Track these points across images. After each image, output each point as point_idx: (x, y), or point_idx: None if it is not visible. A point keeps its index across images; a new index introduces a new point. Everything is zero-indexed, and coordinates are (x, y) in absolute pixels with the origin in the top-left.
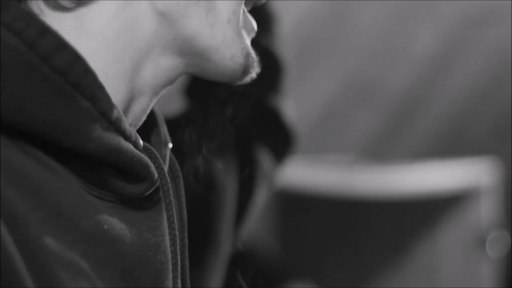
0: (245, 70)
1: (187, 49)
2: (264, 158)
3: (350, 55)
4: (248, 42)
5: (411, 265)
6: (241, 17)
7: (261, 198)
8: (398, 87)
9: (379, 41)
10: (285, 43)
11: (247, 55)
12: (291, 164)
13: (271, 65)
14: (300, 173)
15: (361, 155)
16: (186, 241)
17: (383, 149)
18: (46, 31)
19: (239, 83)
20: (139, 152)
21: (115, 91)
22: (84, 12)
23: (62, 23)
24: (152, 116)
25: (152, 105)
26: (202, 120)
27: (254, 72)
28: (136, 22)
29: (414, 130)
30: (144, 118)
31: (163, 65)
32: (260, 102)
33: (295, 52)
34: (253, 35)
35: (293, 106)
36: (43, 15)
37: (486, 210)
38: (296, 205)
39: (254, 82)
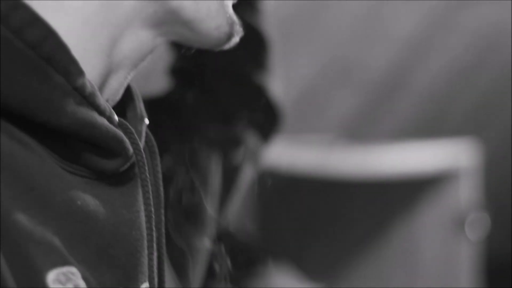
0: (230, 37)
1: (168, 21)
2: (250, 137)
3: (330, 35)
4: (231, 9)
5: (389, 246)
6: None
7: (246, 177)
8: (377, 68)
9: (359, 21)
10: (264, 24)
11: (232, 23)
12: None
13: (256, 42)
14: (278, 152)
15: (340, 136)
16: (163, 217)
17: (363, 130)
18: (18, 5)
19: (220, 48)
20: (113, 127)
21: (92, 66)
22: None
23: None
24: (128, 91)
25: (130, 78)
26: (185, 100)
27: (238, 36)
28: None
29: (394, 110)
30: (121, 92)
31: (142, 38)
32: (245, 80)
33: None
34: (234, 0)
35: (279, 83)
36: None
37: (465, 192)
38: (275, 185)
39: (240, 59)
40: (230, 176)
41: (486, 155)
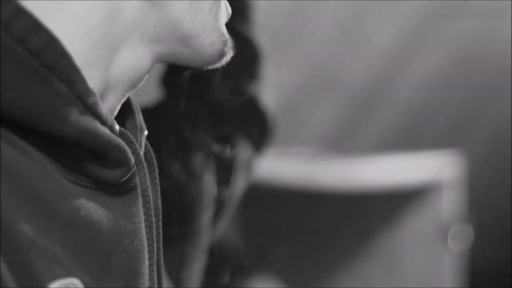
0: (222, 55)
1: (166, 36)
2: (242, 148)
3: (311, 48)
4: (224, 27)
5: (372, 258)
6: (221, 5)
7: (239, 188)
8: (358, 80)
9: (340, 34)
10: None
11: (225, 41)
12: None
13: (249, 53)
14: (262, 165)
15: (322, 148)
16: (161, 230)
17: (344, 142)
18: (21, 12)
19: (212, 67)
20: (115, 137)
21: (91, 78)
22: None
23: (40, 8)
24: (127, 103)
25: (127, 96)
26: (179, 110)
27: (229, 56)
28: (118, 8)
29: (375, 123)
30: (118, 108)
31: (140, 54)
32: (238, 91)
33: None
34: (227, 19)
35: (271, 94)
36: None
37: (447, 204)
38: (257, 197)
39: (233, 70)
40: (223, 187)
41: (469, 167)
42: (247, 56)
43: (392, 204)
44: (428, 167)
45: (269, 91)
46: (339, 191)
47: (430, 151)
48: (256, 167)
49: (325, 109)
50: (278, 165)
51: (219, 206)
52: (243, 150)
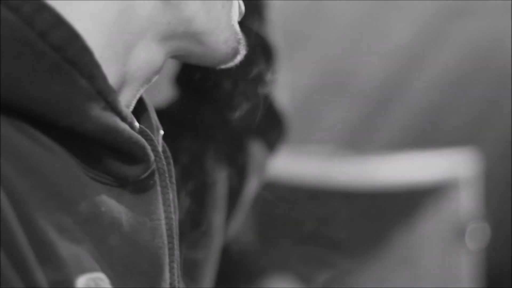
0: (235, 53)
1: (180, 33)
2: (256, 147)
3: (326, 46)
4: (237, 25)
5: (389, 257)
6: (234, 3)
7: (252, 188)
8: (374, 78)
9: (355, 32)
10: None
11: (239, 38)
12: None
13: (264, 51)
14: (277, 163)
15: (338, 146)
16: (177, 229)
17: (361, 140)
18: (43, 8)
19: (225, 66)
20: (136, 134)
21: (108, 74)
22: None
23: (57, 5)
24: (141, 102)
25: (142, 91)
26: (193, 110)
27: (242, 54)
28: (132, 5)
29: (391, 121)
30: (133, 104)
31: (154, 50)
32: (251, 90)
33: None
34: (240, 17)
35: (285, 93)
36: None
37: (464, 202)
38: (274, 196)
39: (246, 69)
40: (237, 188)
41: (485, 165)
42: (261, 55)
43: (409, 202)
44: (444, 165)
45: (283, 90)
46: (355, 189)
47: (446, 149)
48: (270, 167)
49: (341, 107)
50: (294, 163)
51: (232, 207)
52: (256, 150)
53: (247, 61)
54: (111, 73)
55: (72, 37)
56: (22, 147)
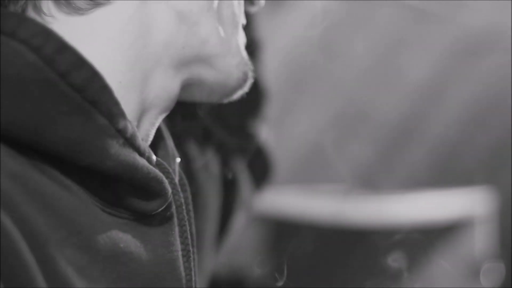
0: (246, 78)
1: (193, 58)
2: (243, 184)
3: (342, 85)
4: (245, 51)
5: None
6: (239, 30)
7: (239, 223)
8: (390, 117)
9: (371, 70)
10: (275, 72)
11: (247, 63)
12: (282, 193)
13: (254, 91)
14: (294, 202)
15: (354, 185)
16: (196, 256)
17: (376, 179)
18: (65, 48)
19: (235, 94)
20: (153, 168)
21: (127, 102)
22: (98, 15)
23: (73, 28)
24: (158, 130)
25: (160, 120)
26: (183, 144)
27: (250, 81)
28: (148, 29)
29: (407, 159)
30: (153, 133)
31: (171, 76)
32: (240, 128)
33: (286, 81)
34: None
35: (272, 133)
36: (54, 19)
37: (480, 240)
38: (290, 234)
39: (236, 108)
40: (224, 220)
41: (500, 204)
42: (251, 95)
43: (424, 240)
44: (460, 204)
45: (270, 129)
46: (371, 228)
47: (462, 187)
48: (284, 205)
49: (356, 146)
50: (310, 203)
51: (220, 237)
52: (243, 187)
53: (237, 101)
54: (131, 100)
55: (93, 77)
56: (42, 186)
